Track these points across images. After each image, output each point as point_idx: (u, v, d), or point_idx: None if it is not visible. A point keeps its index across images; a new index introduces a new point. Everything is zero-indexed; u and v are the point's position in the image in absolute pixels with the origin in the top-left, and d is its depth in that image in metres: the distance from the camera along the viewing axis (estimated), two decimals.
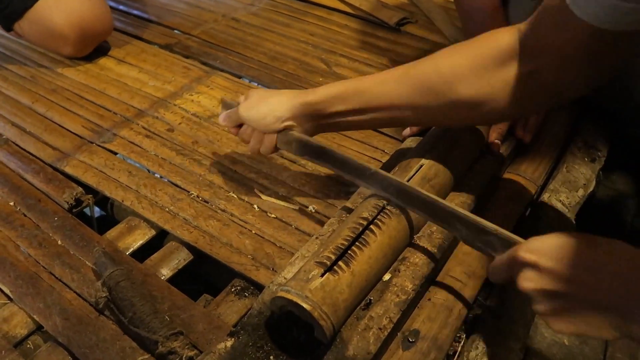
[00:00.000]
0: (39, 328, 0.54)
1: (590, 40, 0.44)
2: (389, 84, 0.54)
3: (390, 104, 0.54)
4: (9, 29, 0.93)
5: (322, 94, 0.56)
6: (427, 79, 0.53)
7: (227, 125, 0.64)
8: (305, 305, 0.43)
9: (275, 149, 0.60)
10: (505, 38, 0.49)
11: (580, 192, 0.65)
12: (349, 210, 0.58)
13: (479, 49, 0.51)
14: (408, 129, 0.71)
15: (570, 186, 0.65)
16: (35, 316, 0.54)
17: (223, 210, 0.65)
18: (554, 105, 0.56)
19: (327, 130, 0.60)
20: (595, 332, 0.39)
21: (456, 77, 0.51)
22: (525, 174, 0.66)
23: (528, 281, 0.41)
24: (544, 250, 0.40)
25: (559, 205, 0.63)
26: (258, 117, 0.59)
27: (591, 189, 0.67)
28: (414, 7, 1.11)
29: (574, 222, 0.62)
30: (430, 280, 0.52)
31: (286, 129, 0.58)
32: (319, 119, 0.58)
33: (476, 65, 0.50)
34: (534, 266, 0.40)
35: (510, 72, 0.49)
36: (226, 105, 0.65)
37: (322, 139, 0.76)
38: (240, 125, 0.62)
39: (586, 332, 0.40)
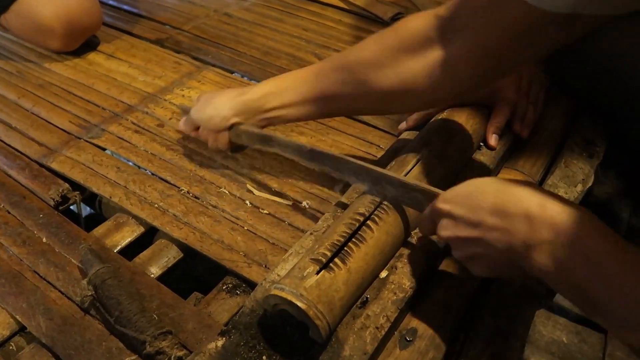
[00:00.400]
0: (22, 329, 0.52)
1: (523, 22, 0.43)
2: (310, 80, 0.57)
3: (322, 96, 0.57)
4: None
5: (258, 91, 0.61)
6: (352, 69, 0.54)
7: (186, 130, 0.69)
8: (300, 304, 0.41)
9: (231, 143, 0.65)
10: (417, 24, 0.50)
11: (579, 188, 0.64)
12: (344, 206, 0.56)
13: (394, 37, 0.51)
14: (404, 123, 0.70)
15: (569, 181, 0.64)
16: (18, 316, 0.52)
17: (214, 207, 0.63)
18: (499, 78, 0.57)
19: (273, 123, 0.63)
20: (507, 273, 0.43)
21: (376, 66, 0.52)
22: (523, 169, 0.64)
23: (445, 230, 0.44)
24: (457, 198, 0.43)
25: None
26: (206, 119, 0.64)
27: (590, 184, 0.66)
28: (408, 2, 1.10)
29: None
30: (428, 278, 0.51)
31: (234, 124, 0.63)
32: (260, 114, 0.61)
33: (393, 53, 0.51)
34: (449, 215, 0.43)
35: (426, 58, 0.49)
36: (184, 111, 0.71)
37: (315, 135, 0.75)
38: (198, 128, 0.67)
39: (501, 274, 0.43)
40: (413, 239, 0.53)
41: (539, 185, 0.43)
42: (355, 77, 0.54)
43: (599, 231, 0.37)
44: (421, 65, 0.49)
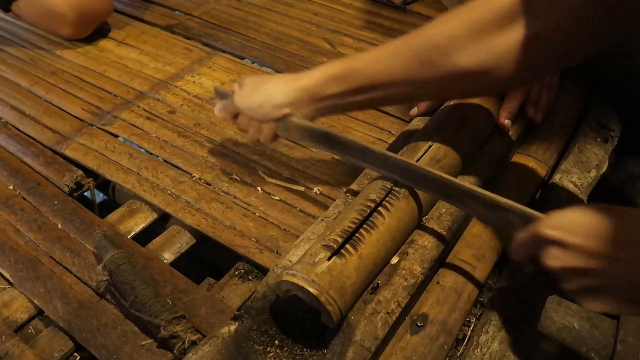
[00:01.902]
0: (39, 313, 0.53)
1: None
2: (385, 60, 0.51)
3: (389, 81, 0.51)
4: (7, 9, 0.91)
5: (318, 76, 0.54)
6: (423, 51, 0.49)
7: (224, 117, 0.61)
8: (311, 290, 0.41)
9: (275, 136, 0.58)
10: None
11: (593, 173, 0.63)
12: (355, 193, 0.56)
13: (475, 14, 0.47)
14: (415, 108, 0.69)
15: (583, 167, 0.64)
16: (35, 301, 0.53)
17: (226, 193, 0.64)
18: (562, 68, 0.52)
19: (326, 113, 0.57)
20: (632, 309, 0.38)
21: (453, 46, 0.47)
22: (536, 155, 0.64)
23: (555, 259, 0.39)
24: (569, 225, 0.38)
25: (570, 187, 0.61)
26: (254, 106, 0.57)
27: (604, 169, 0.65)
28: None
29: (586, 203, 0.61)
30: (439, 264, 0.51)
31: (285, 115, 0.56)
32: (317, 103, 0.55)
33: (473, 31, 0.46)
34: (559, 243, 0.38)
35: (511, 35, 0.45)
36: (220, 95, 0.63)
37: (326, 121, 0.74)
38: (237, 115, 0.60)
39: (621, 310, 0.38)
40: (424, 225, 0.52)
41: None
42: (437, 55, 0.48)
43: None
44: (508, 41, 0.45)
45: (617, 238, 0.36)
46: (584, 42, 0.45)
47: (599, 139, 0.68)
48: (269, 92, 0.56)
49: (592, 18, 0.42)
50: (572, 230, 0.38)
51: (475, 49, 0.47)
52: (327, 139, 0.54)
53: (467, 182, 0.49)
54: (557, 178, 0.62)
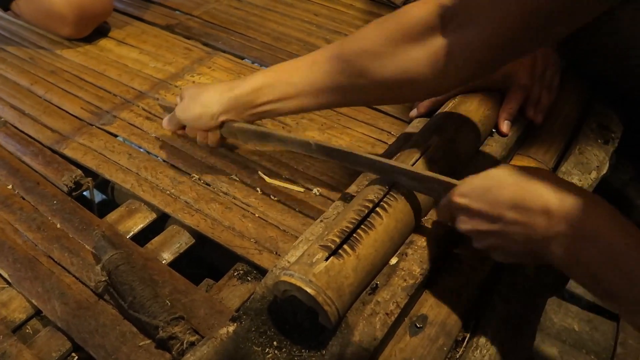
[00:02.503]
0: (37, 313, 0.53)
1: (531, 12, 0.42)
2: (305, 71, 0.54)
3: (319, 88, 0.54)
4: (6, 8, 0.91)
5: (247, 86, 0.57)
6: (350, 58, 0.52)
7: (171, 130, 0.66)
8: (309, 290, 0.41)
9: (222, 139, 0.63)
10: (420, 12, 0.48)
11: (593, 175, 0.63)
12: (354, 193, 0.56)
13: (395, 25, 0.49)
14: (415, 110, 0.69)
15: (583, 168, 0.63)
16: (33, 300, 0.53)
17: (225, 193, 0.64)
18: (484, 75, 0.55)
19: (263, 117, 0.61)
20: (527, 261, 0.43)
21: (374, 57, 0.50)
22: (536, 156, 0.63)
23: (463, 223, 0.44)
24: (474, 192, 0.43)
25: None
26: (194, 118, 0.60)
27: (604, 171, 0.65)
28: None
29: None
30: (438, 264, 0.51)
31: (223, 122, 0.60)
32: (251, 109, 0.58)
33: (394, 42, 0.49)
34: (466, 209, 0.44)
35: (427, 47, 0.47)
36: (166, 109, 0.68)
37: (326, 122, 0.74)
38: (185, 126, 0.64)
39: (521, 261, 0.44)
40: (424, 226, 0.52)
41: (553, 173, 0.43)
42: (353, 67, 0.51)
43: (615, 222, 0.38)
44: (423, 54, 0.48)
45: (515, 204, 0.40)
46: (501, 56, 0.47)
47: (599, 141, 0.68)
48: (205, 103, 0.59)
49: (508, 36, 0.44)
50: (477, 196, 0.43)
51: (389, 62, 0.49)
52: (267, 137, 0.59)
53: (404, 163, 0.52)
54: None
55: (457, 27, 0.46)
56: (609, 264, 0.37)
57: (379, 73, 0.50)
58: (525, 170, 0.42)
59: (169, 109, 0.66)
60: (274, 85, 0.56)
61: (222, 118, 0.59)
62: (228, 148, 0.69)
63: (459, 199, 0.44)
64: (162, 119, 0.75)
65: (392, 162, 0.51)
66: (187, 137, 0.66)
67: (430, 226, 0.52)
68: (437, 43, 0.47)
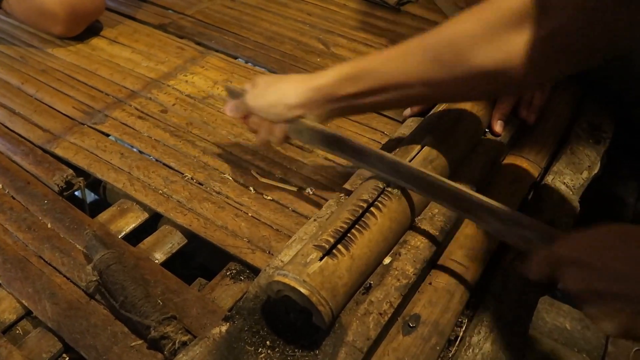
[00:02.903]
0: (28, 313, 0.53)
1: None
2: (400, 60, 0.50)
3: (402, 82, 0.50)
4: None
5: (331, 76, 0.52)
6: (438, 51, 0.48)
7: (236, 116, 0.59)
8: (303, 290, 0.41)
9: (286, 138, 0.57)
10: None
11: (585, 174, 0.64)
12: (348, 193, 0.56)
13: (489, 13, 0.46)
14: (409, 109, 0.69)
15: (575, 168, 0.64)
16: (24, 301, 0.52)
17: (218, 193, 0.63)
18: (580, 69, 0.51)
19: (340, 115, 0.56)
20: None
21: (468, 46, 0.46)
22: (528, 156, 0.64)
23: (573, 281, 0.37)
24: (590, 246, 0.37)
25: (562, 188, 0.61)
26: (267, 106, 0.55)
27: (596, 170, 0.65)
28: None
29: (578, 204, 0.61)
30: (431, 264, 0.51)
31: (297, 117, 0.54)
32: (331, 104, 0.53)
33: (488, 31, 0.46)
34: (580, 264, 0.37)
35: (525, 35, 0.44)
36: (232, 93, 0.61)
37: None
38: (248, 115, 0.58)
39: None
40: (417, 226, 0.52)
41: None
42: (451, 54, 0.47)
43: None
44: (523, 40, 0.44)
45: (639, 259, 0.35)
46: (599, 40, 0.44)
47: (591, 141, 0.68)
48: (282, 92, 0.54)
49: (606, 13, 0.41)
50: (595, 251, 0.36)
51: (489, 49, 0.46)
52: (339, 144, 0.54)
53: (485, 196, 0.47)
54: (549, 179, 0.62)
55: (554, 11, 0.43)
56: None
57: (478, 60, 0.46)
58: None
59: (235, 94, 0.60)
60: (362, 76, 0.51)
61: (298, 111, 0.54)
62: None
63: (572, 252, 0.38)
64: (154, 118, 0.75)
65: (481, 197, 0.45)
66: (248, 128, 0.60)
67: (423, 226, 0.52)
68: (539, 28, 0.44)
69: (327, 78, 0.53)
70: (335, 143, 0.54)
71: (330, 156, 0.68)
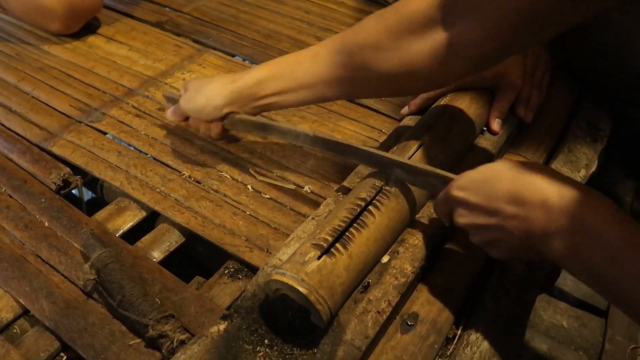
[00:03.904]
0: (25, 312, 0.52)
1: (535, 2, 0.41)
2: (310, 63, 0.55)
3: (321, 81, 0.55)
4: None
5: (252, 77, 0.58)
6: (344, 56, 0.52)
7: (175, 120, 0.66)
8: (301, 289, 0.41)
9: (225, 132, 0.64)
10: (419, 4, 0.48)
11: (582, 173, 0.64)
12: (346, 191, 0.56)
13: (395, 17, 0.49)
14: (406, 107, 0.69)
15: (572, 166, 0.64)
16: (21, 300, 0.52)
17: (216, 191, 0.63)
18: (480, 70, 0.55)
19: (266, 110, 0.62)
20: (525, 256, 0.44)
21: (377, 48, 0.50)
22: (526, 154, 0.64)
23: (461, 217, 0.44)
24: (472, 185, 0.43)
25: None
26: (198, 109, 0.61)
27: (593, 169, 0.65)
28: None
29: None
30: (429, 262, 0.51)
31: (226, 114, 0.60)
32: (254, 101, 0.59)
33: (394, 35, 0.49)
34: (464, 202, 0.43)
35: (430, 39, 0.47)
36: (170, 99, 0.68)
37: (317, 119, 0.74)
38: (188, 118, 0.64)
39: (519, 257, 0.44)
40: (415, 224, 0.52)
41: (552, 169, 0.42)
42: (354, 60, 0.52)
43: (615, 217, 0.37)
44: (424, 46, 0.48)
45: (513, 197, 0.40)
46: (501, 50, 0.47)
47: (588, 139, 0.68)
48: (209, 94, 0.60)
49: (508, 30, 0.44)
50: (475, 190, 0.43)
51: (393, 53, 0.49)
52: (267, 128, 0.60)
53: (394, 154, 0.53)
54: None
55: (456, 19, 0.46)
56: (609, 259, 0.36)
57: (380, 66, 0.50)
58: (524, 165, 0.42)
59: (173, 100, 0.66)
60: (277, 77, 0.57)
61: (225, 110, 0.60)
62: (228, 140, 0.69)
63: (456, 192, 0.44)
64: (151, 116, 0.74)
65: (390, 155, 0.51)
66: (190, 128, 0.66)
67: (421, 224, 0.52)
68: (438, 35, 0.47)
69: (247, 79, 0.58)
70: (266, 128, 0.61)
71: (328, 155, 0.68)
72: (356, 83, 0.54)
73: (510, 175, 0.41)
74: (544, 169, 0.42)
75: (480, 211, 0.42)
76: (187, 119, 0.65)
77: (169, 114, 0.66)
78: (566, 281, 0.75)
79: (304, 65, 0.55)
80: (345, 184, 0.58)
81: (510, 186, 0.40)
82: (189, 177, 0.65)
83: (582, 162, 0.65)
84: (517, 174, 0.41)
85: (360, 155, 0.53)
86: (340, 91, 0.56)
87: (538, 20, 0.43)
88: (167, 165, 0.67)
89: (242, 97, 0.59)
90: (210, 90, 0.60)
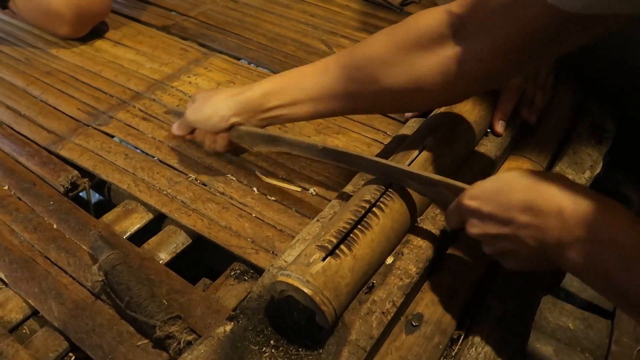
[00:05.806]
0: (34, 313, 0.53)
1: (542, 22, 0.41)
2: (317, 77, 0.55)
3: (329, 94, 0.55)
4: (4, 6, 0.91)
5: (257, 90, 0.58)
6: (352, 70, 0.52)
7: (182, 134, 0.67)
8: (306, 290, 0.41)
9: (230, 144, 0.64)
10: (429, 20, 0.48)
11: (587, 174, 0.64)
12: (351, 193, 0.56)
13: (404, 33, 0.49)
14: None
15: (577, 168, 0.64)
16: (30, 301, 0.53)
17: (222, 193, 0.64)
18: (487, 89, 0.55)
19: (274, 123, 0.61)
20: (540, 267, 0.43)
21: (383, 64, 0.50)
22: (530, 156, 0.64)
23: (473, 227, 0.44)
24: (485, 195, 0.42)
25: None
26: (204, 119, 0.61)
27: (598, 170, 0.65)
28: None
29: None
30: (434, 263, 0.51)
31: (233, 125, 0.60)
32: (261, 114, 0.59)
33: (403, 50, 0.49)
34: (477, 212, 0.43)
35: (439, 56, 0.47)
36: (176, 114, 0.69)
37: (322, 122, 0.75)
38: (194, 130, 0.65)
39: (533, 268, 0.43)
40: (419, 225, 0.53)
41: (566, 177, 0.42)
42: (364, 74, 0.51)
43: (631, 226, 0.37)
44: (432, 63, 0.47)
45: (527, 206, 0.39)
46: (510, 69, 0.47)
47: (593, 140, 0.68)
48: (216, 106, 0.60)
49: (517, 50, 0.44)
50: (487, 199, 0.42)
51: (398, 70, 0.49)
52: (275, 141, 0.60)
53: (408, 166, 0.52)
54: None
55: (467, 36, 0.45)
56: (626, 268, 0.36)
57: (389, 81, 0.50)
58: (537, 174, 0.41)
59: (179, 115, 0.67)
60: (284, 89, 0.57)
61: (232, 120, 0.60)
62: (234, 153, 0.68)
63: (469, 202, 0.43)
64: (158, 119, 0.75)
65: (401, 166, 0.50)
66: (195, 142, 0.66)
67: (425, 225, 0.53)
68: (447, 52, 0.47)
69: (254, 90, 0.58)
70: (273, 141, 0.60)
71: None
72: (364, 97, 0.53)
73: (523, 184, 0.40)
74: (558, 177, 0.41)
75: (494, 221, 0.41)
76: (193, 132, 0.65)
77: (175, 128, 0.67)
78: (572, 282, 0.75)
79: (312, 78, 0.55)
80: (349, 186, 0.59)
81: (524, 195, 0.40)
82: (195, 179, 0.66)
83: (587, 163, 0.65)
84: (531, 183, 0.40)
85: (370, 167, 0.52)
86: (347, 105, 0.56)
87: (547, 41, 0.43)
88: (174, 168, 0.67)
89: (248, 108, 0.59)
90: (217, 101, 0.60)
